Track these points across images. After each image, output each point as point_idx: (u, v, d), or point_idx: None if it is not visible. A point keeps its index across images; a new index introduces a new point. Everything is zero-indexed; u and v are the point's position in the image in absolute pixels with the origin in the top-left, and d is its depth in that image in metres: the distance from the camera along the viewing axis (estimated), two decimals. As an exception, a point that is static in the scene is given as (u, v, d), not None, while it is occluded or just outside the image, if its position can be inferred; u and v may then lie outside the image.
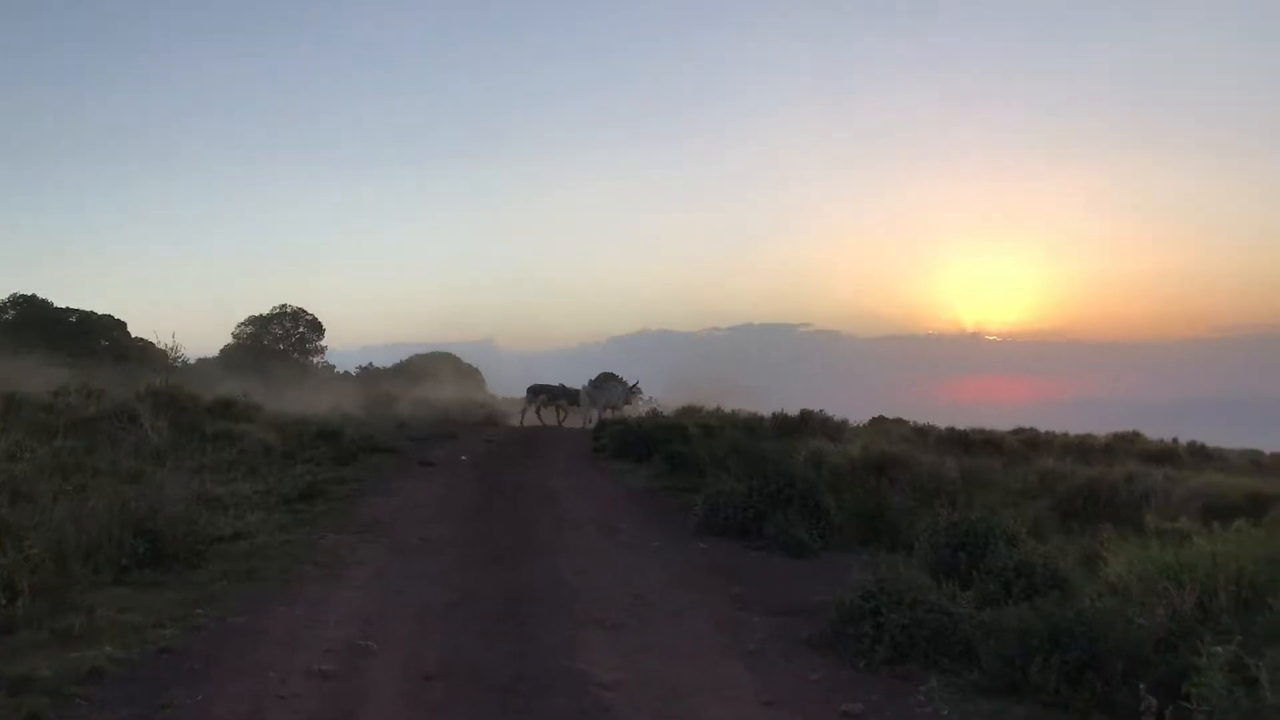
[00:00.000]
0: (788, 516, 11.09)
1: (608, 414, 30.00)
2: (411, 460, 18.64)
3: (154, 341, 56.77)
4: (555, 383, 33.75)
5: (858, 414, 33.20)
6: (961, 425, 31.87)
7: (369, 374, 69.17)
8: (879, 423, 42.90)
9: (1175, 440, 31.27)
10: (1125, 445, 29.67)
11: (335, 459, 17.36)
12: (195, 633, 6.99)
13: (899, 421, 54.48)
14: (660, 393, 36.90)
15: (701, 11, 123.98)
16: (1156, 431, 32.84)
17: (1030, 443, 30.42)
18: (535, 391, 33.42)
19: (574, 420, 32.57)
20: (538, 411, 33.19)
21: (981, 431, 30.70)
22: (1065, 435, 32.36)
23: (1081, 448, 29.61)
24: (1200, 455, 28.86)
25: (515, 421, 32.94)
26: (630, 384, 32.17)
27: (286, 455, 17.23)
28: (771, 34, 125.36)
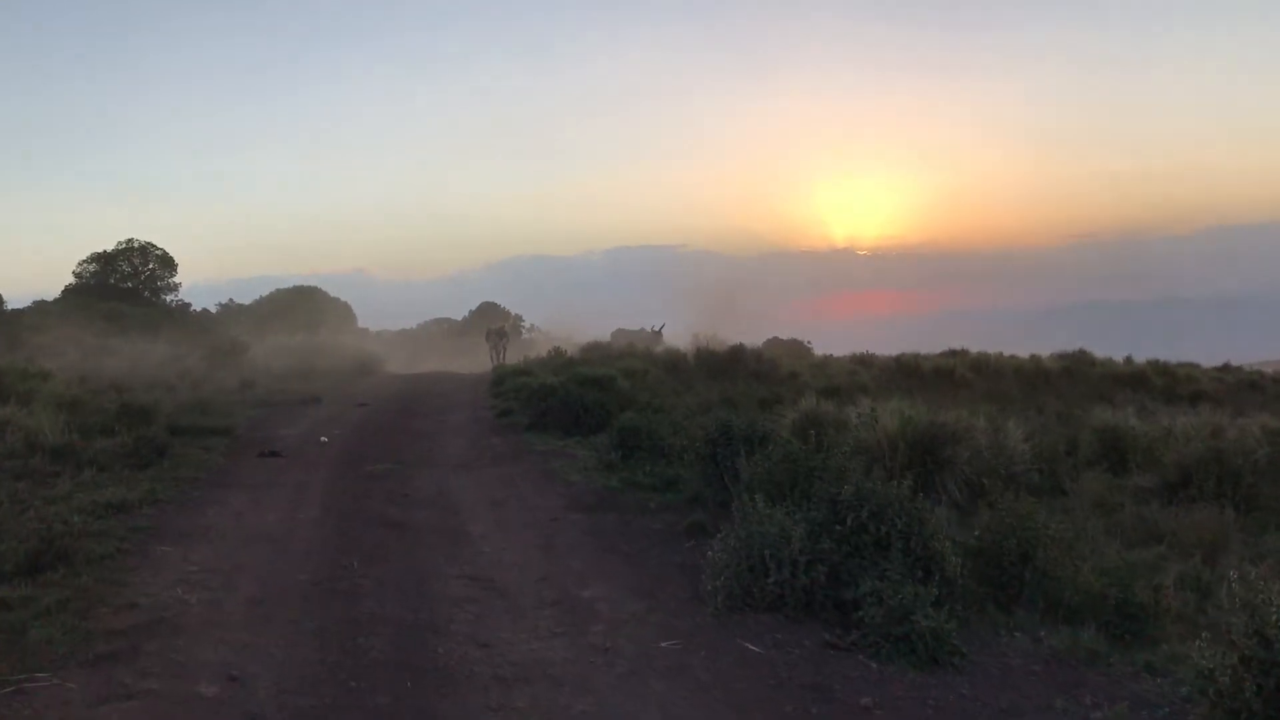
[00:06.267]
0: (886, 575, 6.07)
1: None
2: (249, 448, 12.93)
3: (-32, 286, 48.40)
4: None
5: (746, 336, 29.58)
6: (900, 351, 27.65)
7: (229, 310, 62.17)
8: (791, 348, 38.59)
9: (1129, 358, 27.62)
10: (1084, 369, 25.79)
11: (133, 455, 11.58)
12: None
13: (795, 343, 50.82)
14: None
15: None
16: (1041, 343, 30.41)
17: (976, 367, 26.31)
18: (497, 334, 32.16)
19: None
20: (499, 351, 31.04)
21: (926, 358, 26.47)
22: (1006, 356, 28.42)
23: (1037, 372, 25.68)
24: (1168, 375, 25.13)
25: (394, 368, 28.11)
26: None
27: (60, 455, 11.39)
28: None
